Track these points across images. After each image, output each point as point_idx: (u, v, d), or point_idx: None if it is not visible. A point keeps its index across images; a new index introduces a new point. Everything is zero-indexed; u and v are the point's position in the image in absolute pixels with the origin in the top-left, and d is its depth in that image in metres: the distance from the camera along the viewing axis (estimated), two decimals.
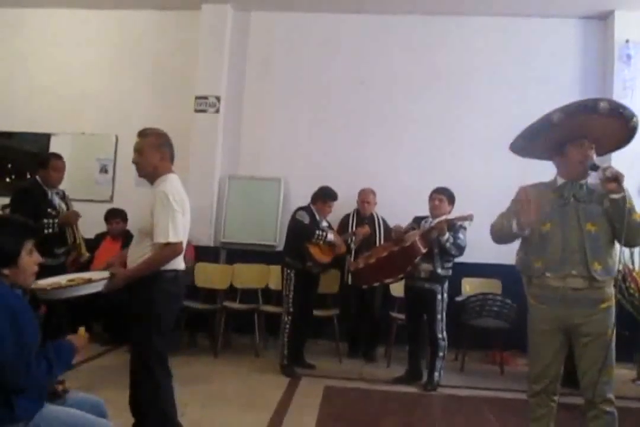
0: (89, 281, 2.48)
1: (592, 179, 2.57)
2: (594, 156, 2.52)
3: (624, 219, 2.32)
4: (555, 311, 2.50)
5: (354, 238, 4.91)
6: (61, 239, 4.15)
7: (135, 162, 2.81)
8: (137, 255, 2.68)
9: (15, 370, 1.75)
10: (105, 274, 2.58)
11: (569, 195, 2.53)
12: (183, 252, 2.72)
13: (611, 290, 2.48)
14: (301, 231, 4.52)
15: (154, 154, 2.78)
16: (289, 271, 4.52)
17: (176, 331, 4.53)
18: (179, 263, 2.73)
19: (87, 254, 4.26)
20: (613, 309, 2.48)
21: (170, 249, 2.62)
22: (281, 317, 4.57)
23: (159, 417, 2.66)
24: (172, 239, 2.59)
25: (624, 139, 2.59)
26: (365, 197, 5.12)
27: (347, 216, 5.17)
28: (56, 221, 4.04)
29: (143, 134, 2.84)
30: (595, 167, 2.43)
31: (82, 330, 2.10)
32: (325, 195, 4.67)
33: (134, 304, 2.68)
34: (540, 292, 2.56)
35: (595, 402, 2.42)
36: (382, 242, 4.88)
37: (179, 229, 2.64)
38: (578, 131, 2.49)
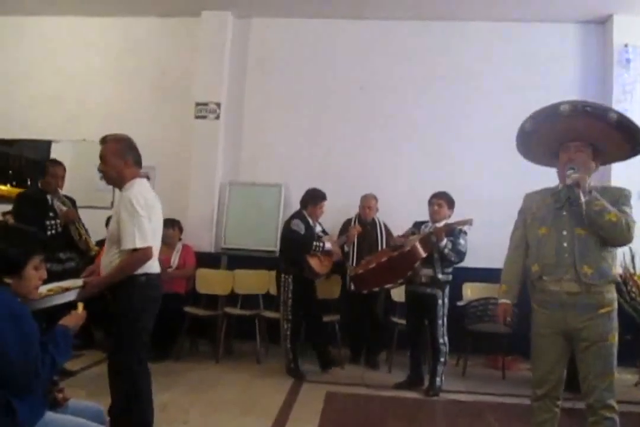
0: (67, 290, 2.49)
1: (595, 182, 2.59)
2: (586, 159, 2.53)
3: (590, 222, 2.39)
4: (554, 315, 2.52)
5: (347, 240, 4.93)
6: (66, 243, 4.17)
7: (100, 170, 2.84)
8: (107, 261, 2.72)
9: (25, 371, 1.76)
10: (79, 282, 2.60)
11: (564, 199, 2.56)
12: (154, 256, 2.75)
13: (612, 295, 2.48)
14: (299, 244, 4.54)
15: (116, 160, 2.78)
16: (286, 276, 4.53)
17: (163, 336, 4.55)
18: (150, 266, 2.75)
19: (96, 248, 4.26)
20: (614, 315, 2.47)
21: (139, 255, 2.63)
22: (280, 324, 4.59)
23: (135, 419, 2.68)
24: (139, 244, 2.61)
25: (623, 141, 2.52)
26: (367, 202, 5.12)
27: (349, 220, 5.18)
28: (58, 221, 4.07)
29: (103, 141, 2.84)
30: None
31: (80, 307, 2.10)
32: (314, 198, 4.70)
33: (109, 309, 2.72)
34: (541, 296, 2.58)
35: (595, 407, 2.42)
36: (384, 247, 4.88)
37: (146, 234, 2.65)
38: (562, 135, 2.55)
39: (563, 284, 2.47)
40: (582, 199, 2.38)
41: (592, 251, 2.45)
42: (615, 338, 2.44)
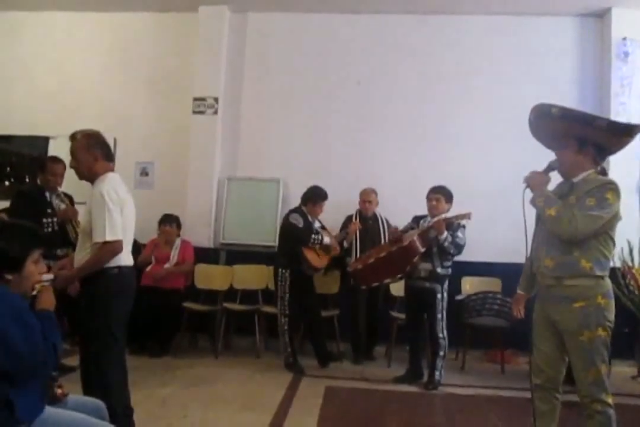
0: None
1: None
2: (570, 154, 2.56)
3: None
4: (538, 303, 2.66)
5: (347, 236, 4.94)
6: (63, 240, 4.15)
7: (72, 166, 2.87)
8: (80, 256, 2.76)
9: (34, 362, 1.78)
10: (49, 276, 2.61)
11: (555, 194, 2.61)
12: (127, 249, 2.79)
13: (589, 291, 2.43)
14: (297, 236, 4.55)
15: (86, 155, 2.80)
16: (283, 271, 4.53)
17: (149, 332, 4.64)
18: (123, 259, 2.77)
19: None
20: (592, 311, 2.41)
21: (108, 248, 2.66)
22: (278, 319, 4.60)
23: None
24: (109, 237, 2.64)
25: (587, 128, 2.49)
26: (367, 196, 5.11)
27: (350, 217, 5.15)
28: (55, 219, 4.05)
29: (73, 137, 2.86)
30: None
31: (39, 287, 2.05)
32: (315, 197, 4.71)
33: (81, 301, 2.75)
34: (537, 287, 2.72)
35: (585, 402, 2.44)
36: (386, 242, 4.88)
37: (117, 227, 2.68)
38: (549, 137, 2.66)
39: (541, 275, 2.59)
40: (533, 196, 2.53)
41: (556, 244, 2.50)
42: (595, 333, 2.40)
